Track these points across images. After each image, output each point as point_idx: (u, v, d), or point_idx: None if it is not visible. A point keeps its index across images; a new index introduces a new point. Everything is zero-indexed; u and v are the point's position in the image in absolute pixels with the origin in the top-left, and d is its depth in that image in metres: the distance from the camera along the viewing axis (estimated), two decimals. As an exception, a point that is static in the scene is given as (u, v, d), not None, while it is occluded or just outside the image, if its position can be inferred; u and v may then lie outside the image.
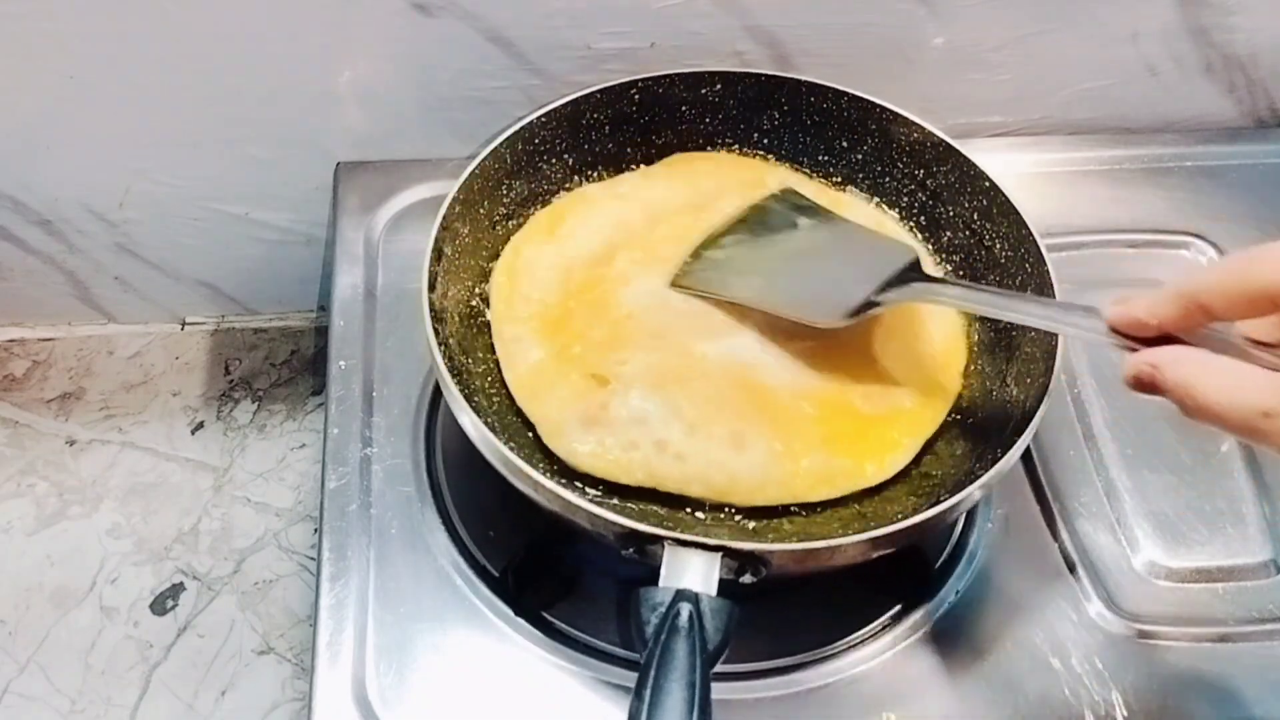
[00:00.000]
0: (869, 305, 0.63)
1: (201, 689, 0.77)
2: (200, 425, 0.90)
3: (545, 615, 0.66)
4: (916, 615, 0.66)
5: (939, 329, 0.71)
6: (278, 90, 0.80)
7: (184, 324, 0.97)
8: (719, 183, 0.75)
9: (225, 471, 0.87)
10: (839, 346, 0.66)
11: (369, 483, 0.70)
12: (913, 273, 0.65)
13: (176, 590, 0.81)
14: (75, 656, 0.78)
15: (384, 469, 0.71)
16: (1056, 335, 0.63)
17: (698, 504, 0.62)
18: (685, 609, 0.52)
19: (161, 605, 0.80)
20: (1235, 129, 0.93)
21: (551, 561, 0.66)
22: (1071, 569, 0.68)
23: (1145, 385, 0.47)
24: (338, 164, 0.85)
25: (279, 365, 0.94)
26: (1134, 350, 0.49)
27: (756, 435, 0.62)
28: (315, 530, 0.77)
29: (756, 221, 0.71)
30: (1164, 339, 0.48)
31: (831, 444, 0.63)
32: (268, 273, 0.93)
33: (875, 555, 0.57)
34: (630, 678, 0.51)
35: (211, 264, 0.93)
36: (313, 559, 0.80)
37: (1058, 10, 0.82)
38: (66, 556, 0.82)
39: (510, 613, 0.65)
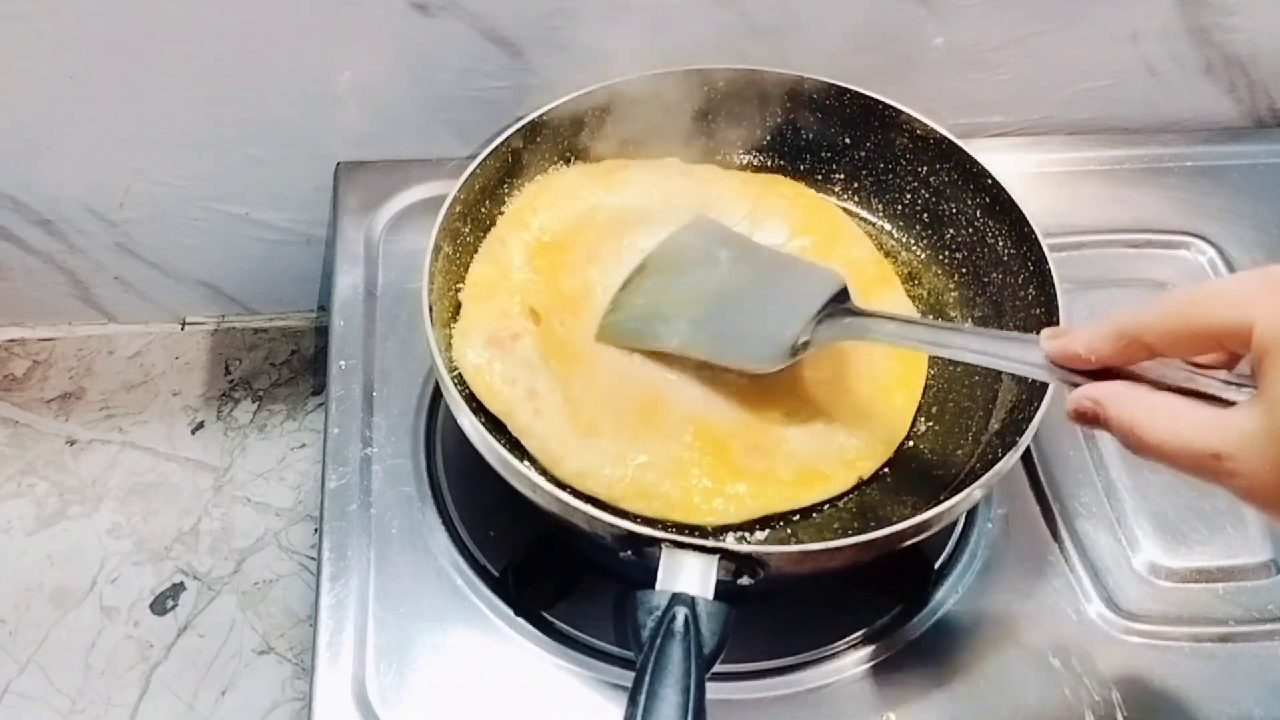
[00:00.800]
0: (804, 345, 0.61)
1: (201, 689, 0.77)
2: (200, 425, 0.90)
3: (545, 615, 0.66)
4: (917, 615, 0.66)
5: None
6: (278, 90, 0.80)
7: (184, 324, 0.97)
8: (789, 207, 0.73)
9: (225, 471, 0.87)
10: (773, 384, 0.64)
11: (369, 483, 0.70)
12: (843, 305, 0.61)
13: (176, 590, 0.81)
14: (75, 656, 0.78)
15: (384, 469, 0.71)
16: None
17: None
18: (681, 613, 0.52)
19: (161, 605, 0.80)
20: (1235, 129, 0.92)
21: (551, 561, 0.66)
22: (1071, 569, 0.68)
23: (1088, 420, 0.46)
24: (338, 164, 0.85)
25: (279, 365, 0.94)
26: (1075, 384, 0.48)
27: (612, 439, 0.62)
28: (315, 530, 0.77)
29: (674, 258, 0.68)
30: (1104, 371, 0.47)
31: (677, 474, 0.61)
32: (268, 273, 0.93)
33: (875, 556, 0.57)
34: (631, 678, 0.51)
35: (211, 264, 0.93)
36: (313, 559, 0.80)
37: (1058, 10, 0.82)
38: (66, 556, 0.82)
39: (510, 613, 0.65)
